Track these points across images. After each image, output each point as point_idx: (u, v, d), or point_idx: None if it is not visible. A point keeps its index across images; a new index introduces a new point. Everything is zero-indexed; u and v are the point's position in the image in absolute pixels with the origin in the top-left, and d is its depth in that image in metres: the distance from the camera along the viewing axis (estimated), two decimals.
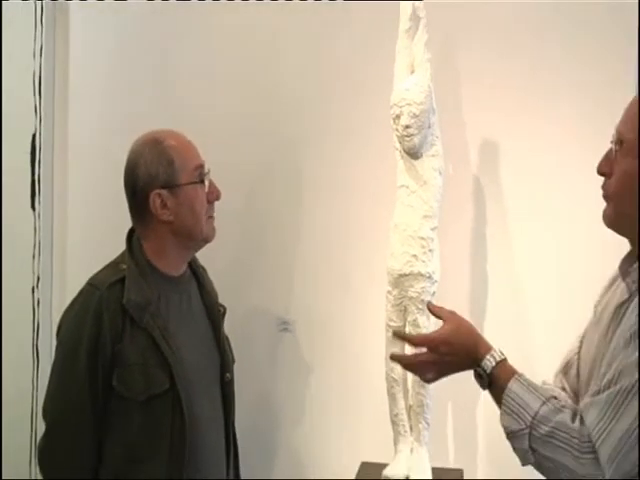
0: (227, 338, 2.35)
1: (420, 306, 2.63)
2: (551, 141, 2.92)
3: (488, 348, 1.71)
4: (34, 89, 3.15)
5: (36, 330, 3.13)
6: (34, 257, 3.14)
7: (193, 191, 2.13)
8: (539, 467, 1.62)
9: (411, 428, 2.73)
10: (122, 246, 2.21)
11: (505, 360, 1.70)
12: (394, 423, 2.74)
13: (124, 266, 2.12)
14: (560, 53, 2.95)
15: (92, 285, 2.09)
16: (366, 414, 3.03)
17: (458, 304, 2.86)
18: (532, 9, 2.97)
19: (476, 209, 3.05)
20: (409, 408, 2.74)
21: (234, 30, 3.19)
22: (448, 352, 1.73)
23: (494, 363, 1.67)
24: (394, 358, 1.84)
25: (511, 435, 1.63)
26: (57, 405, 2.09)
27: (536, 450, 1.59)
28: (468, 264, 3.05)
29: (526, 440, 1.60)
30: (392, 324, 2.70)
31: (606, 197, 1.68)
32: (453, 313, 1.80)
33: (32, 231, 3.14)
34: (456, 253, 2.98)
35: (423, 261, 2.63)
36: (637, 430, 1.50)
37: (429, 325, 2.63)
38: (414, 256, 2.62)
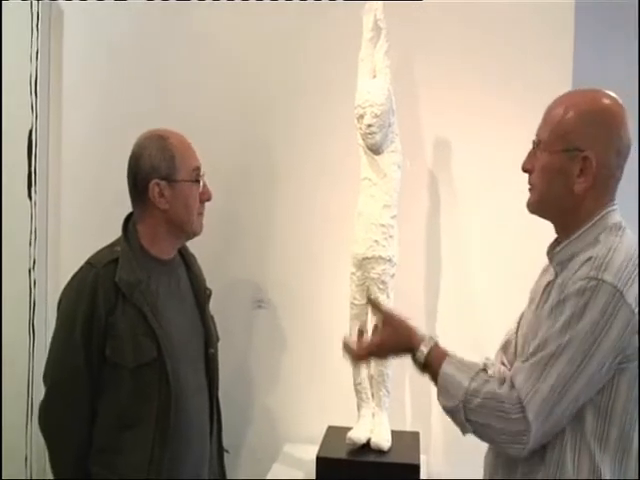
0: (212, 318, 2.45)
1: (381, 286, 2.74)
2: (498, 138, 3.03)
3: (420, 340, 1.84)
4: (30, 89, 3.17)
5: (32, 308, 3.17)
6: (30, 242, 3.18)
7: (188, 188, 2.24)
8: (477, 434, 1.73)
9: (373, 395, 2.83)
10: (110, 233, 2.31)
11: (436, 345, 1.83)
12: (357, 391, 2.83)
13: (119, 248, 2.24)
14: (507, 57, 3.05)
15: (89, 264, 2.21)
16: (332, 383, 3.08)
17: (414, 285, 3.02)
18: (481, 17, 3.05)
19: (431, 199, 3.14)
20: (371, 377, 2.82)
21: (211, 34, 3.22)
22: (389, 350, 1.94)
23: (426, 352, 1.81)
24: (346, 349, 1.95)
25: (448, 411, 1.77)
26: (55, 370, 2.19)
27: (471, 420, 1.71)
28: (423, 249, 3.14)
29: (461, 414, 1.72)
30: (356, 302, 2.81)
31: (530, 189, 1.85)
32: (390, 316, 1.93)
33: (29, 218, 3.18)
34: (413, 239, 3.07)
35: (384, 246, 2.73)
36: (559, 389, 1.62)
37: (389, 303, 2.72)
38: (376, 241, 2.73)
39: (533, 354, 1.69)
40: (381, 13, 2.76)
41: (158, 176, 2.22)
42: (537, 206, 1.86)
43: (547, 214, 1.86)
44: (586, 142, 1.74)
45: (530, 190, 1.86)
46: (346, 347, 1.97)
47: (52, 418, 2.21)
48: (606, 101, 1.78)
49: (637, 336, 1.63)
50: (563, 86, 2.84)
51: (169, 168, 2.22)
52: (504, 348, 1.99)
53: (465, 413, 1.72)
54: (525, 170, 1.86)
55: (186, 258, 2.44)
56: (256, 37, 3.22)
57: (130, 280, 2.18)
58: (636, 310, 1.62)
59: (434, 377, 1.81)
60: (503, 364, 1.91)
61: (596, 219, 1.76)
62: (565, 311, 1.66)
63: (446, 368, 1.78)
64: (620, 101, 1.80)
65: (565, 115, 1.77)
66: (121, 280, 2.17)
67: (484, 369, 1.80)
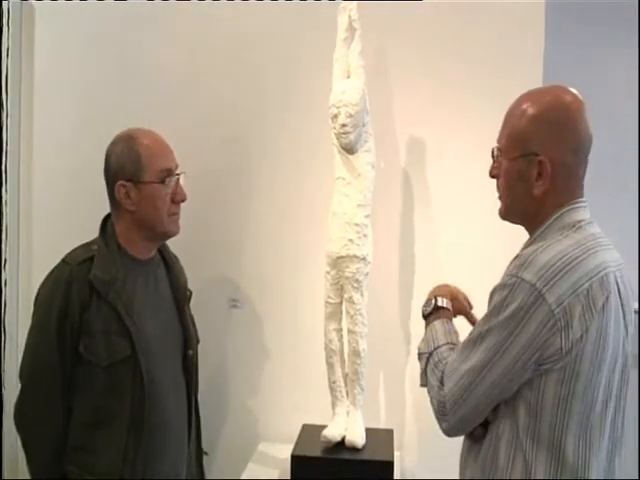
0: (193, 320, 2.47)
1: (355, 285, 2.75)
2: (471, 138, 3.03)
3: (438, 294, 2.03)
4: (1, 87, 3.12)
5: (3, 307, 3.13)
6: (1, 241, 3.14)
7: (156, 190, 2.23)
8: (427, 390, 1.84)
9: (347, 394, 2.83)
10: (84, 231, 2.31)
11: (447, 310, 1.99)
12: (332, 389, 2.84)
13: (95, 247, 2.24)
14: (480, 57, 3.08)
15: (65, 261, 2.22)
16: (307, 381, 3.10)
17: (388, 284, 3.04)
18: (455, 17, 3.08)
19: (404, 199, 3.16)
20: (345, 376, 2.84)
21: (186, 33, 3.21)
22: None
23: (441, 304, 1.98)
24: None
25: (419, 356, 1.91)
26: (29, 366, 2.20)
27: (427, 375, 1.83)
28: (397, 247, 3.16)
29: (424, 362, 1.85)
30: (330, 301, 2.81)
31: (499, 197, 1.88)
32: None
33: None
34: (387, 238, 3.11)
35: (358, 245, 2.73)
36: (474, 374, 1.68)
37: (363, 302, 2.75)
38: (350, 240, 2.73)
39: (466, 338, 1.79)
40: (355, 14, 2.77)
41: (124, 177, 2.23)
42: (505, 213, 1.90)
43: (515, 219, 1.89)
44: (540, 146, 1.75)
45: (499, 198, 1.89)
46: None
47: (26, 414, 2.22)
48: (560, 100, 1.79)
49: (557, 336, 1.63)
50: (534, 84, 2.93)
51: (135, 169, 2.22)
52: None
53: (426, 364, 1.86)
54: (492, 176, 1.89)
55: (167, 258, 2.44)
56: (230, 37, 3.22)
57: (105, 278, 2.18)
58: (557, 310, 1.63)
59: (427, 326, 1.97)
60: None
61: (554, 217, 1.77)
62: (490, 303, 1.73)
63: (438, 323, 1.93)
64: (578, 96, 1.80)
65: (519, 120, 1.79)
66: (95, 278, 2.17)
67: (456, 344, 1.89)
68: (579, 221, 1.77)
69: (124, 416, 2.17)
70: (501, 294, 1.69)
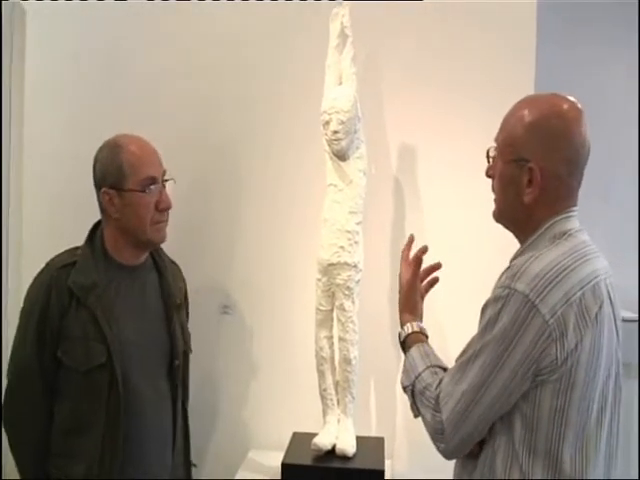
0: (185, 329, 2.46)
1: (346, 292, 2.74)
2: (463, 145, 3.02)
3: (409, 319, 2.02)
4: None
5: None
6: None
7: (139, 198, 2.23)
8: (422, 421, 1.80)
9: (338, 401, 2.83)
10: (73, 237, 2.33)
11: (418, 332, 1.96)
12: (323, 397, 2.83)
13: (79, 252, 2.26)
14: (472, 64, 3.08)
15: (47, 265, 2.26)
16: (298, 389, 3.09)
17: (380, 291, 3.01)
18: (446, 24, 3.08)
19: (395, 205, 3.15)
20: (336, 383, 2.83)
21: (177, 38, 3.21)
22: (401, 293, 2.14)
23: (408, 332, 1.96)
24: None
25: (404, 389, 1.87)
26: (13, 367, 2.24)
27: (416, 404, 1.80)
28: (389, 255, 3.12)
29: (410, 395, 1.83)
30: (321, 308, 2.81)
31: (494, 198, 1.88)
32: (415, 283, 2.13)
33: None
34: (378, 245, 3.09)
35: (349, 252, 2.73)
36: (472, 394, 1.66)
37: (354, 309, 2.75)
38: (341, 247, 2.73)
39: (458, 357, 1.77)
40: (348, 20, 2.77)
41: (107, 184, 2.24)
42: (498, 216, 1.90)
43: (506, 224, 1.89)
44: (532, 153, 1.75)
45: (494, 200, 1.89)
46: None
47: (10, 414, 2.25)
48: (557, 108, 1.78)
49: (553, 347, 1.62)
50: (526, 90, 2.92)
51: (118, 177, 2.23)
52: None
53: (412, 396, 1.83)
54: (488, 176, 1.89)
55: (159, 265, 2.43)
56: (222, 42, 3.22)
57: (85, 283, 2.19)
58: (551, 321, 1.62)
59: (405, 354, 1.95)
60: None
61: (545, 227, 1.77)
62: (483, 318, 1.71)
63: (413, 351, 1.91)
64: (576, 105, 1.79)
65: (515, 124, 1.79)
66: (75, 283, 2.19)
67: (444, 368, 1.85)
68: (569, 229, 1.76)
69: (100, 422, 2.18)
70: (494, 307, 1.68)
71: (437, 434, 1.72)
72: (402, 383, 1.90)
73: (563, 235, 1.75)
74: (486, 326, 1.68)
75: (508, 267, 1.73)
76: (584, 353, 1.64)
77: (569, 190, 1.79)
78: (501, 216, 1.88)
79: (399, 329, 2.03)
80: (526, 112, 1.78)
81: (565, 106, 1.78)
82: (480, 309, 1.75)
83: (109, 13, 3.24)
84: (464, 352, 1.75)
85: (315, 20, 2.93)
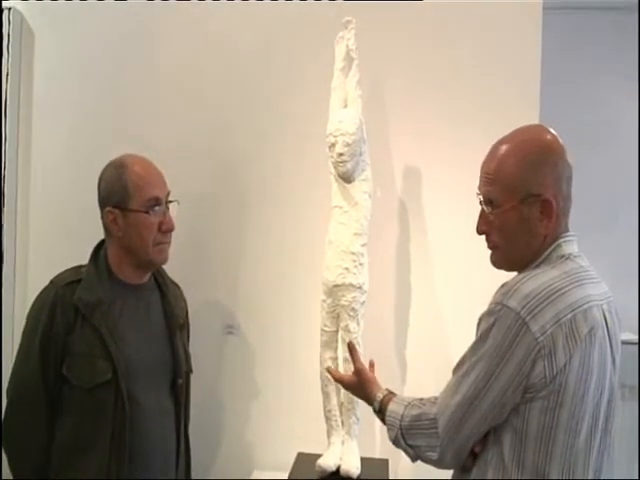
0: (186, 349, 2.46)
1: (351, 313, 2.74)
2: (467, 167, 2.76)
3: (377, 392, 2.02)
4: (0, 111, 3.18)
5: None
6: None
7: (142, 218, 2.25)
8: (422, 459, 1.84)
9: (342, 423, 2.82)
10: (79, 254, 2.34)
11: (389, 394, 1.99)
12: (327, 418, 2.83)
13: (84, 269, 2.28)
14: (476, 87, 3.11)
15: (52, 283, 2.26)
16: (303, 410, 3.11)
17: (385, 312, 3.04)
18: (451, 46, 3.11)
19: (400, 227, 3.18)
20: (341, 405, 2.82)
21: (181, 56, 3.25)
22: (352, 392, 2.17)
23: (380, 399, 1.97)
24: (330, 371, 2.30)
25: (394, 442, 1.89)
26: (14, 385, 2.24)
27: (410, 444, 1.82)
28: (393, 276, 3.17)
29: (401, 440, 1.84)
30: (326, 329, 2.81)
31: (492, 248, 1.87)
32: (360, 371, 2.13)
33: None
34: (383, 266, 3.11)
35: (354, 273, 2.72)
36: (466, 407, 1.70)
37: (359, 330, 2.75)
38: (346, 269, 2.72)
39: (455, 370, 1.79)
40: (353, 43, 2.79)
41: (111, 203, 2.25)
42: (504, 263, 1.88)
43: (514, 265, 1.86)
44: (540, 185, 1.75)
45: (493, 249, 1.88)
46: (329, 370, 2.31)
47: (10, 431, 2.23)
48: (542, 138, 1.81)
49: (541, 364, 1.64)
50: (530, 115, 2.94)
51: (122, 196, 2.24)
52: None
53: (403, 438, 1.85)
54: (481, 232, 1.88)
55: (161, 285, 2.44)
56: (230, 63, 3.26)
57: (90, 300, 2.20)
58: (540, 338, 1.64)
59: (385, 419, 1.94)
60: None
61: (546, 253, 1.79)
62: (478, 332, 1.74)
63: (391, 406, 1.92)
64: (552, 132, 1.82)
65: (511, 166, 1.78)
66: (80, 300, 2.20)
67: (421, 399, 1.89)
68: (569, 254, 1.78)
69: (106, 439, 2.17)
70: (487, 321, 1.71)
71: (431, 446, 1.76)
72: (391, 439, 1.91)
73: (561, 258, 1.77)
74: (479, 339, 1.72)
75: (503, 284, 1.74)
76: (572, 373, 1.66)
77: (568, 211, 1.83)
78: (508, 261, 1.86)
79: (374, 402, 2.02)
80: (517, 152, 1.79)
81: (549, 134, 1.82)
82: (476, 322, 1.78)
83: (114, 23, 3.30)
84: (459, 365, 1.78)
85: (322, 42, 2.94)
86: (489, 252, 1.92)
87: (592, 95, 3.92)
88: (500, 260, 1.88)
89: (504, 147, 1.83)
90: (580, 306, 1.69)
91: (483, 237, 1.90)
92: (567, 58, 3.83)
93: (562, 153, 1.79)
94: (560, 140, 1.81)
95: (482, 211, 1.86)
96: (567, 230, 1.82)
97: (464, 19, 3.12)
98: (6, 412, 2.24)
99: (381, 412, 1.96)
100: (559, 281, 1.70)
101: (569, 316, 1.67)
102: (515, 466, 1.69)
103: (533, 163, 1.76)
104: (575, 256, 1.79)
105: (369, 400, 2.04)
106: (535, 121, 2.95)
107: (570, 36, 3.94)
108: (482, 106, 3.10)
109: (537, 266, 1.78)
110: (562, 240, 1.79)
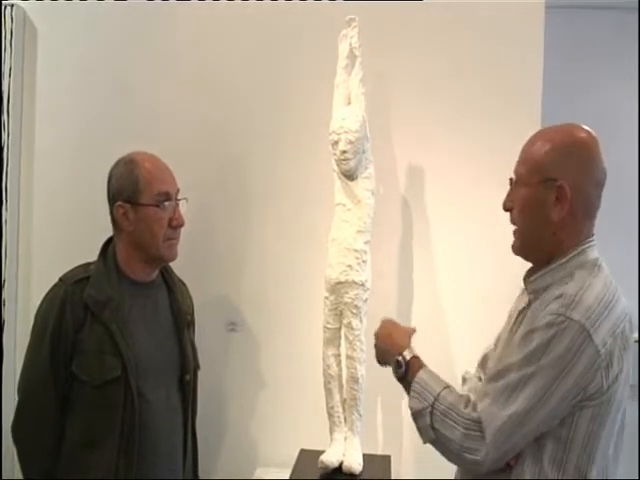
0: (193, 345, 2.48)
1: (354, 311, 2.75)
2: (470, 165, 3.07)
3: (405, 346, 1.98)
4: (2, 107, 3.18)
5: (0, 327, 3.14)
6: (1, 261, 3.16)
7: (153, 212, 2.26)
8: (436, 443, 1.80)
9: (345, 419, 2.83)
10: (83, 252, 2.35)
11: (419, 357, 1.93)
12: (330, 415, 2.84)
13: (93, 267, 2.29)
14: (480, 86, 3.12)
15: (61, 280, 2.27)
16: (305, 406, 3.12)
17: (387, 309, 2.97)
18: (455, 45, 3.12)
19: (403, 225, 3.18)
20: (343, 401, 2.83)
21: (187, 54, 3.26)
22: (384, 337, 2.10)
23: (408, 358, 1.92)
24: None
25: (416, 414, 1.84)
26: (25, 382, 2.24)
27: (435, 427, 1.78)
28: (396, 274, 3.17)
29: (428, 417, 1.79)
30: (329, 326, 2.81)
31: (514, 231, 1.89)
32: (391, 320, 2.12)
33: None
34: (386, 264, 3.12)
35: (357, 271, 2.73)
36: (521, 418, 1.68)
37: (362, 327, 2.75)
38: (349, 266, 2.73)
39: (496, 378, 1.76)
40: (356, 41, 2.79)
41: (122, 198, 2.26)
42: (519, 246, 1.90)
43: (528, 252, 1.89)
44: (560, 172, 1.78)
45: (514, 232, 1.90)
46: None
47: (21, 429, 2.24)
48: (579, 133, 1.83)
49: (600, 375, 1.67)
50: (532, 113, 3.00)
51: (133, 191, 2.26)
52: (482, 363, 2.05)
53: (431, 418, 1.80)
54: (506, 209, 1.91)
55: (169, 282, 2.45)
56: (230, 61, 3.26)
57: (99, 298, 2.21)
58: (602, 351, 1.66)
59: (409, 382, 1.90)
60: (480, 379, 1.99)
61: (574, 253, 1.80)
62: (532, 343, 1.70)
63: (422, 374, 1.88)
64: (594, 134, 1.84)
65: (540, 149, 1.82)
66: (89, 297, 2.20)
67: (453, 387, 1.87)
68: (596, 259, 1.81)
69: (115, 436, 2.18)
70: (546, 333, 1.69)
71: (473, 453, 1.72)
72: (413, 408, 1.86)
73: (594, 265, 1.79)
74: (535, 352, 1.69)
75: (559, 295, 1.73)
76: (620, 382, 1.70)
77: (593, 214, 1.84)
78: (523, 245, 1.89)
79: (394, 358, 1.98)
80: (552, 137, 1.84)
81: (588, 133, 1.84)
82: (523, 333, 1.76)
83: (118, 27, 3.30)
84: (500, 374, 1.75)
85: (324, 39, 2.95)
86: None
87: (594, 93, 3.94)
88: (517, 244, 1.90)
89: (542, 132, 1.88)
90: (625, 316, 1.75)
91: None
92: (569, 56, 3.83)
93: (593, 152, 1.81)
94: (596, 143, 1.83)
95: (510, 188, 1.91)
96: (591, 235, 1.84)
97: (467, 17, 3.12)
98: (18, 411, 2.25)
99: (406, 371, 1.93)
100: (608, 292, 1.73)
101: (621, 327, 1.72)
102: (555, 471, 1.71)
103: (559, 150, 1.80)
104: (601, 261, 1.81)
105: (394, 348, 2.00)
106: (537, 118, 3.01)
107: (572, 35, 3.94)
108: (485, 104, 3.11)
109: (559, 268, 1.80)
110: (586, 246, 1.81)
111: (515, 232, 1.90)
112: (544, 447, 1.72)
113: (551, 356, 1.67)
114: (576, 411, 1.69)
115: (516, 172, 1.89)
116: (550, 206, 1.79)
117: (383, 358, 2.07)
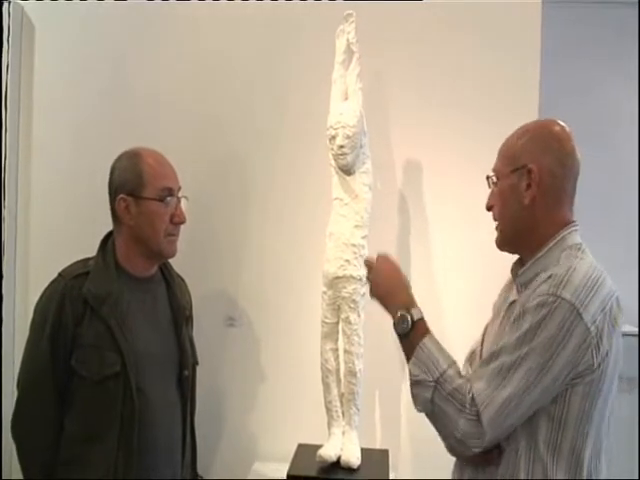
0: (192, 341, 2.47)
1: (352, 305, 2.76)
2: (468, 160, 3.04)
3: (414, 303, 1.91)
4: (0, 104, 3.14)
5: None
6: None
7: (155, 207, 2.25)
8: (432, 418, 1.80)
9: (343, 413, 2.83)
10: (81, 248, 2.33)
11: (425, 320, 1.89)
12: (328, 409, 2.84)
13: (92, 262, 2.28)
14: (477, 80, 3.12)
15: (60, 275, 2.26)
16: (303, 401, 3.12)
17: None
18: (453, 40, 3.12)
19: (401, 219, 3.19)
20: (341, 395, 2.83)
21: (187, 51, 3.26)
22: (386, 279, 2.01)
23: (416, 318, 1.86)
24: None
25: (417, 382, 1.80)
26: (24, 377, 2.23)
27: (435, 402, 1.76)
28: None
29: (430, 392, 1.77)
30: (327, 321, 2.82)
31: (496, 228, 1.93)
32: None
33: None
34: None
35: (355, 265, 2.73)
36: (515, 399, 1.69)
37: (360, 322, 2.76)
38: (347, 261, 2.74)
39: (489, 361, 1.77)
40: (354, 37, 2.79)
41: (125, 191, 2.26)
42: (502, 240, 1.93)
43: (510, 244, 1.92)
44: (529, 157, 1.83)
45: (496, 228, 1.94)
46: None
47: (20, 424, 2.24)
48: (551, 125, 1.89)
49: (590, 353, 1.69)
50: (531, 109, 2.99)
51: (136, 184, 2.25)
52: (469, 359, 2.04)
53: (433, 393, 1.78)
54: (488, 208, 1.94)
55: (168, 278, 2.45)
56: (227, 57, 3.26)
57: (98, 293, 2.20)
58: (592, 328, 1.69)
59: (414, 343, 1.84)
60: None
61: (557, 239, 1.82)
62: (524, 324, 1.72)
63: (428, 342, 1.84)
64: (567, 128, 1.88)
65: (513, 142, 1.89)
66: (89, 292, 2.20)
67: (456, 362, 1.85)
68: (579, 243, 1.84)
69: (115, 431, 2.17)
70: (537, 314, 1.71)
71: (470, 438, 1.73)
72: (416, 376, 1.82)
73: (578, 249, 1.82)
74: (527, 333, 1.71)
75: (549, 276, 1.75)
76: (610, 360, 1.72)
77: (568, 201, 1.86)
78: (505, 238, 1.92)
79: (400, 312, 1.88)
80: (523, 132, 1.89)
81: (561, 127, 1.88)
82: (514, 317, 1.77)
83: (116, 23, 3.31)
84: (495, 356, 1.76)
85: (321, 35, 2.95)
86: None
87: (594, 93, 3.95)
88: (499, 238, 1.93)
89: (518, 129, 1.92)
90: (613, 294, 1.76)
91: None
92: (567, 51, 3.83)
93: (563, 141, 1.85)
94: (569, 134, 1.86)
95: (491, 190, 1.94)
96: (572, 220, 1.86)
97: (464, 12, 3.12)
98: (17, 407, 2.25)
99: (411, 330, 1.86)
100: (595, 271, 1.76)
101: (609, 304, 1.74)
102: (550, 451, 1.73)
103: (530, 139, 1.85)
104: (585, 246, 1.84)
105: (400, 299, 1.93)
106: (535, 113, 3.01)
107: (570, 29, 3.94)
108: (483, 99, 3.12)
109: (545, 255, 1.82)
110: (569, 231, 1.83)
111: (497, 227, 1.93)
112: (538, 429, 1.73)
113: (543, 336, 1.69)
114: (568, 388, 1.71)
115: (494, 169, 1.93)
116: (522, 191, 1.83)
117: (382, 301, 1.99)
